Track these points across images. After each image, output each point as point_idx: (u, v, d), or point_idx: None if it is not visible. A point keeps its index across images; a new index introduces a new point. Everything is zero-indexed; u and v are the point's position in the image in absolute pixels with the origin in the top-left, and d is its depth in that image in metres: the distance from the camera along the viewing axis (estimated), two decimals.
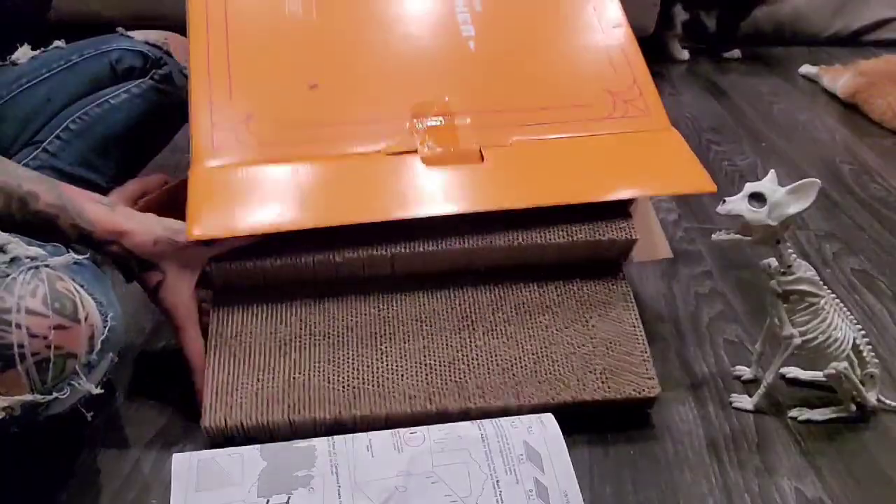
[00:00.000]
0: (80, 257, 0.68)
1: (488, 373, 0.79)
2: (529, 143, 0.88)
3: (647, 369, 0.81)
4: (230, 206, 0.80)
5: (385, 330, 0.81)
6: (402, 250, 0.81)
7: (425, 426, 0.69)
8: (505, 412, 0.74)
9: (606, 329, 0.83)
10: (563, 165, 0.87)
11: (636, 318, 0.84)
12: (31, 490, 0.72)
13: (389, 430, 0.68)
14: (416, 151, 0.85)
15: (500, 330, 0.82)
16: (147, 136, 1.21)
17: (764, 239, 0.78)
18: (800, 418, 0.83)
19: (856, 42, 2.61)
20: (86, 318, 0.62)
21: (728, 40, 2.40)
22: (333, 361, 0.78)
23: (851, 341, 0.80)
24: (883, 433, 0.82)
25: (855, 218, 1.34)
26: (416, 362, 0.79)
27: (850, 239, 1.26)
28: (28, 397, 0.60)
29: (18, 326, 0.58)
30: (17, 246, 0.62)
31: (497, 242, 0.83)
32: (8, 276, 0.60)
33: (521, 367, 0.79)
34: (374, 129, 0.87)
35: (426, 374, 0.78)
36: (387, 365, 0.78)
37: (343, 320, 0.81)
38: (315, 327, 0.80)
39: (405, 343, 0.80)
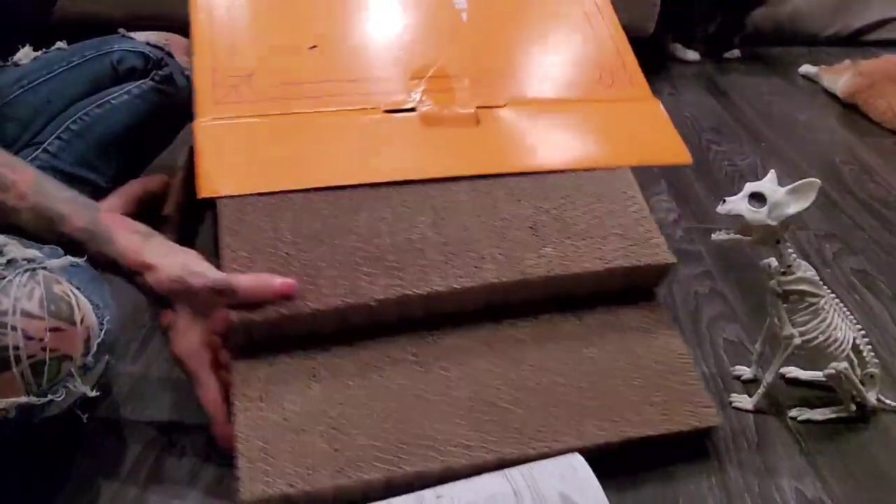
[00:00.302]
0: (78, 260, 0.68)
1: (544, 414, 0.73)
2: (522, 107, 0.92)
3: (703, 398, 0.77)
4: (238, 165, 0.82)
5: (426, 376, 0.74)
6: (436, 288, 0.76)
7: (451, 486, 0.65)
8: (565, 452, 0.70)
9: (655, 358, 0.79)
10: (553, 132, 0.92)
11: (682, 344, 0.81)
12: (31, 490, 0.72)
13: (414, 496, 0.64)
14: (414, 109, 0.88)
15: (548, 367, 0.76)
16: (148, 137, 1.21)
17: (764, 239, 0.78)
18: (800, 418, 0.83)
19: (856, 42, 2.61)
20: (82, 321, 0.62)
21: (729, 41, 2.40)
22: (376, 415, 0.70)
23: (851, 341, 0.80)
24: (883, 433, 0.82)
25: (855, 218, 1.34)
26: (465, 408, 0.72)
27: (850, 239, 1.26)
28: (23, 399, 0.60)
29: (14, 329, 0.58)
30: (14, 248, 0.62)
31: (533, 273, 0.79)
32: (4, 278, 0.60)
33: (578, 404, 0.74)
34: (374, 86, 0.90)
35: (478, 421, 0.71)
36: (435, 414, 0.71)
37: (379, 369, 0.74)
38: (350, 379, 0.73)
39: (449, 389, 0.73)
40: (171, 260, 0.72)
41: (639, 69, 1.00)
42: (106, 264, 0.72)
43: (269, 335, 0.73)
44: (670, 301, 1.05)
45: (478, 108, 0.89)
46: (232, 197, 0.79)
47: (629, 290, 0.84)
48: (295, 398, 0.71)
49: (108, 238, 0.71)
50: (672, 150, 0.94)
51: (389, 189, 0.83)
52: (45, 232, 0.70)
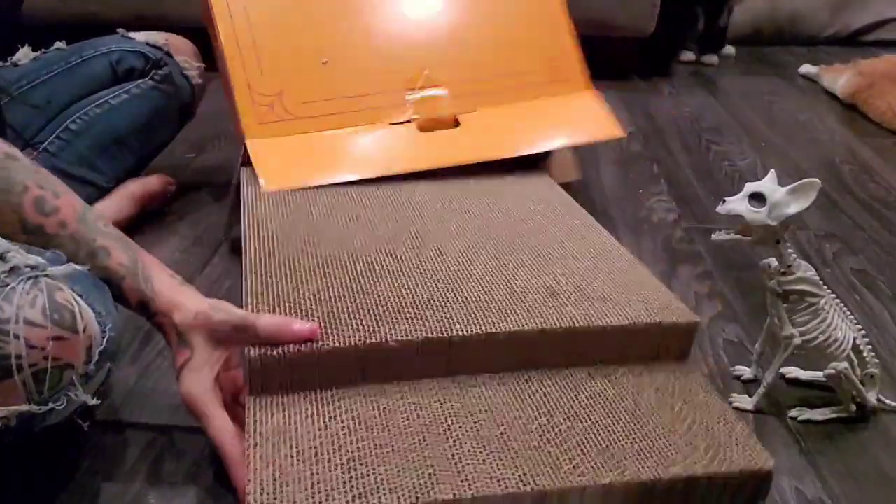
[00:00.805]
0: (80, 267, 0.67)
1: (583, 453, 0.69)
2: (490, 108, 1.20)
3: (754, 443, 0.72)
4: (288, 169, 1.07)
5: (453, 420, 0.72)
6: (459, 333, 0.76)
7: None
8: (609, 491, 0.66)
9: (697, 413, 0.75)
10: (515, 125, 1.20)
11: (724, 403, 0.77)
12: (31, 490, 0.72)
13: None
14: (410, 121, 1.16)
15: (583, 416, 0.73)
16: (147, 137, 1.21)
17: (764, 239, 0.78)
18: (800, 418, 0.83)
19: (856, 42, 2.61)
20: (84, 330, 0.62)
21: (721, 37, 2.39)
22: (400, 451, 0.67)
23: (851, 341, 0.80)
24: (883, 433, 0.82)
25: (855, 218, 1.34)
26: (497, 447, 0.69)
27: (850, 239, 1.26)
28: (24, 408, 0.59)
29: (17, 337, 0.58)
30: (17, 254, 0.62)
31: (556, 325, 0.78)
32: (7, 285, 0.59)
33: (619, 447, 0.70)
34: (377, 101, 1.16)
35: (513, 457, 0.68)
36: (464, 451, 0.68)
37: (403, 413, 0.72)
38: (372, 421, 0.71)
39: (479, 430, 0.70)
40: (198, 301, 0.73)
41: (581, 62, 1.26)
42: (136, 302, 0.72)
43: (286, 375, 0.72)
44: None
45: (455, 114, 1.18)
46: (257, 265, 0.85)
47: (659, 354, 0.82)
48: (311, 436, 0.69)
49: (147, 277, 0.72)
50: (605, 127, 1.22)
51: (409, 260, 0.88)
52: (83, 261, 0.69)
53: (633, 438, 0.71)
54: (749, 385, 0.88)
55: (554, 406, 0.75)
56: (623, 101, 1.91)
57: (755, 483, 0.71)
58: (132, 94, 1.13)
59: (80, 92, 1.12)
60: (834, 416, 0.83)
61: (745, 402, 0.84)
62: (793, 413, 0.84)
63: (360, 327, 0.75)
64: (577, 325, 0.79)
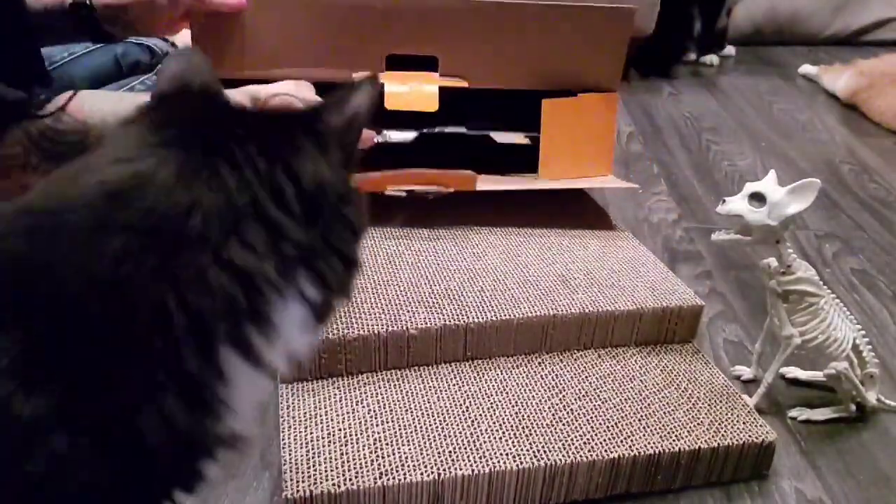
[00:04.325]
0: None
1: (592, 430, 0.73)
2: None
3: (755, 419, 0.77)
4: None
5: (470, 402, 0.76)
6: (475, 320, 0.81)
7: None
8: (617, 465, 0.71)
9: (701, 390, 0.80)
10: None
11: (727, 380, 0.83)
12: None
13: None
14: None
15: (593, 395, 0.78)
16: None
17: (764, 239, 0.78)
18: (800, 418, 0.83)
19: (856, 42, 2.61)
20: None
21: (720, 38, 2.39)
22: (422, 430, 0.72)
23: (851, 341, 0.80)
24: (883, 433, 0.83)
25: (855, 218, 1.34)
26: (512, 425, 0.73)
27: (850, 239, 1.26)
28: None
29: None
30: None
31: (566, 311, 0.83)
32: None
33: (627, 423, 0.74)
34: None
35: (526, 435, 0.72)
36: (482, 429, 0.73)
37: (423, 396, 0.77)
38: (395, 404, 0.75)
39: (495, 411, 0.75)
40: None
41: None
42: None
43: (315, 363, 0.78)
44: None
45: None
46: None
47: (665, 337, 0.88)
48: (340, 419, 0.73)
49: None
50: None
51: (426, 253, 0.93)
52: None
53: (641, 415, 0.76)
54: (749, 385, 0.88)
55: (565, 387, 0.79)
56: (623, 101, 1.91)
57: (756, 455, 0.75)
58: (137, 90, 1.13)
59: (83, 84, 1.12)
60: (834, 416, 0.83)
61: (746, 402, 0.85)
62: (793, 413, 0.84)
63: (383, 317, 0.80)
64: (586, 310, 0.84)
